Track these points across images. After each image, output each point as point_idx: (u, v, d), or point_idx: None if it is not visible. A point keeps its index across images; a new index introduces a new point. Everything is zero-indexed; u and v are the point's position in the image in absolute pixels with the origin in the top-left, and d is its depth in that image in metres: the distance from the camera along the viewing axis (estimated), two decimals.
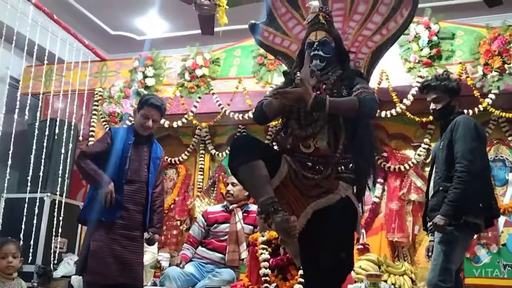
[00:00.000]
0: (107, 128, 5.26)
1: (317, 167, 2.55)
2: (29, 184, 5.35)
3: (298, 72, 2.60)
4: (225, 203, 4.82)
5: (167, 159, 5.66)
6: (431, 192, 3.41)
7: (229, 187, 4.69)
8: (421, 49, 4.77)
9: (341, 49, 2.75)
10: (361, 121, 2.66)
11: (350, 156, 2.60)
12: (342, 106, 2.53)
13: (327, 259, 2.45)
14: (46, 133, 5.51)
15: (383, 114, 4.96)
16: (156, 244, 5.26)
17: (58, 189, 5.49)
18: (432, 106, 3.47)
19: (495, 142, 5.11)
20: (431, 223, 3.23)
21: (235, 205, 4.61)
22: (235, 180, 4.54)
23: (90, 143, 5.72)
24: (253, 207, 4.67)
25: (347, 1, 2.84)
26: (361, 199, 2.67)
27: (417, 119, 4.85)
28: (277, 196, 2.47)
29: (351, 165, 2.60)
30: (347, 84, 2.66)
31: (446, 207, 3.11)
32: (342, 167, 2.57)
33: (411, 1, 2.69)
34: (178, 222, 5.87)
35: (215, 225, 4.60)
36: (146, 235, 3.81)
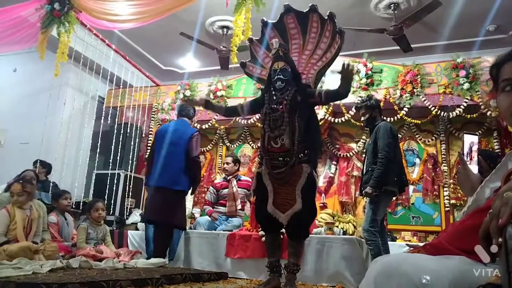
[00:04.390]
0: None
1: (286, 159, 2.57)
2: (110, 164, 5.45)
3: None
4: (223, 175, 4.66)
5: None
6: (364, 171, 3.42)
7: (225, 166, 4.49)
8: (361, 79, 4.78)
9: (295, 72, 2.72)
10: (312, 121, 2.68)
11: (304, 146, 2.60)
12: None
13: (306, 210, 2.52)
14: (121, 132, 5.56)
15: (337, 120, 5.00)
16: (192, 202, 5.30)
17: (129, 167, 5.55)
18: (362, 118, 3.48)
19: (407, 138, 5.15)
20: (364, 191, 3.22)
21: (231, 176, 4.45)
22: (229, 161, 4.48)
23: (149, 139, 5.78)
24: (243, 177, 4.61)
25: (300, 43, 2.84)
26: (316, 171, 2.70)
27: (358, 123, 4.84)
28: (276, 197, 2.56)
29: (306, 151, 2.60)
30: (301, 93, 2.64)
31: (372, 181, 3.11)
32: (301, 154, 2.58)
33: (339, 39, 2.68)
34: (206, 189, 5.81)
35: (220, 190, 4.46)
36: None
